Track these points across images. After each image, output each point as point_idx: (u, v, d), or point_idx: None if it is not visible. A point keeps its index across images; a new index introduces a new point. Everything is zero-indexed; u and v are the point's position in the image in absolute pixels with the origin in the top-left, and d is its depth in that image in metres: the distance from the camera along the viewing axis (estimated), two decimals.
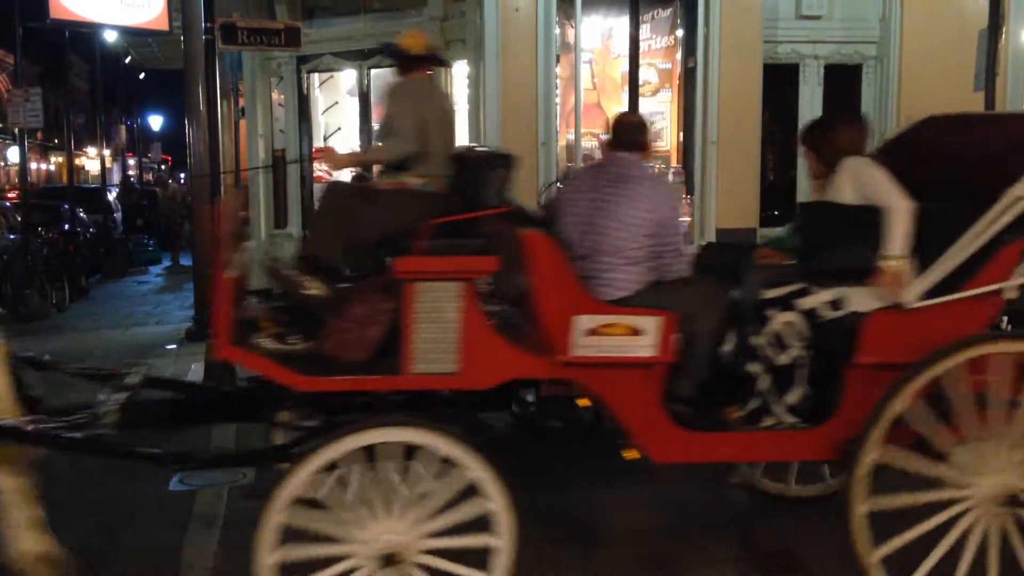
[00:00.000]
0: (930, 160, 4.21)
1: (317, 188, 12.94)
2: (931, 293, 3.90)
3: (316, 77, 13.13)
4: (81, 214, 18.92)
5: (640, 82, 9.16)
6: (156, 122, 46.84)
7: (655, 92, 11.14)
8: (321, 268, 4.29)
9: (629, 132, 4.24)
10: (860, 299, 3.94)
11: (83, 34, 20.78)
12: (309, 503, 3.50)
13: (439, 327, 3.66)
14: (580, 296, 3.78)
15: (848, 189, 4.13)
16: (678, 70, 11.21)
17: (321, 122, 13.35)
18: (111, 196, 25.33)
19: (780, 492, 5.21)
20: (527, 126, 10.29)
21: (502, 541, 3.53)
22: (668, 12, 11.10)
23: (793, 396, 4.02)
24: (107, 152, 34.47)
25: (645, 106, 10.49)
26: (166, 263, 20.35)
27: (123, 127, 41.79)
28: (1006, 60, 10.25)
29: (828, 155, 4.33)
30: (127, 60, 23.81)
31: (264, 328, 3.97)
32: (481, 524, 3.56)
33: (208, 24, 8.13)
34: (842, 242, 4.01)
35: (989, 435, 3.72)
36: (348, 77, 13.01)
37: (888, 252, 3.90)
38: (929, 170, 4.17)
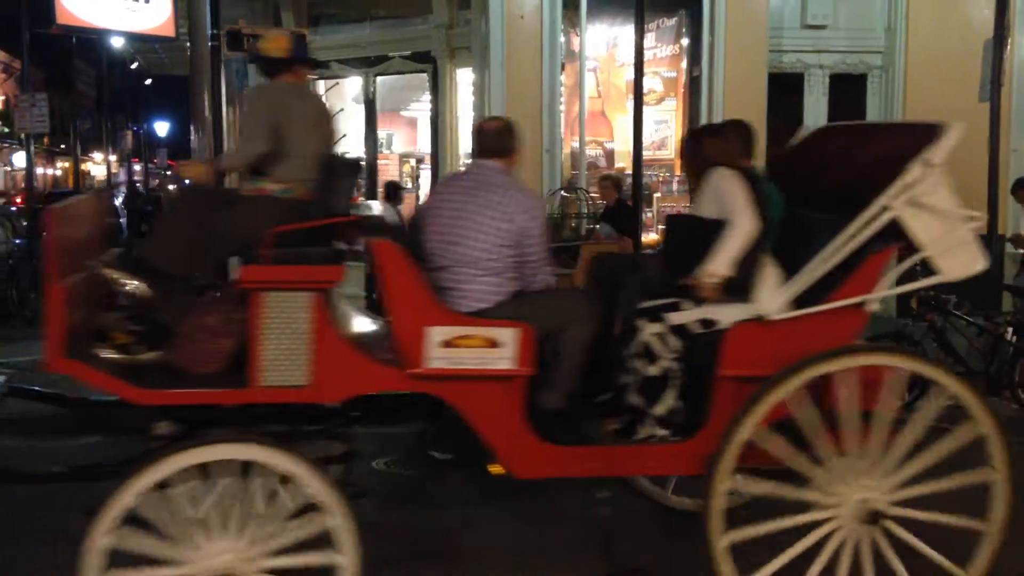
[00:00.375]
0: (824, 169, 4.17)
1: None
2: (803, 304, 3.80)
3: (322, 84, 13.15)
4: None
5: (645, 90, 9.15)
6: (162, 128, 46.96)
7: (660, 100, 11.16)
8: (158, 277, 4.02)
9: (491, 138, 4.07)
10: (725, 313, 3.85)
11: (90, 40, 20.86)
12: (140, 523, 3.32)
13: (289, 339, 3.53)
14: (433, 307, 3.67)
15: (709, 201, 4.07)
16: (683, 79, 11.23)
17: None
18: (117, 201, 25.38)
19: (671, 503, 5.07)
20: (532, 134, 10.30)
21: (346, 559, 3.39)
22: (673, 21, 11.12)
23: (661, 409, 3.90)
24: (113, 157, 34.52)
25: (650, 114, 10.51)
26: None
27: (129, 132, 41.87)
28: (1012, 70, 10.25)
29: (698, 165, 4.24)
30: (133, 66, 23.90)
31: (114, 339, 3.75)
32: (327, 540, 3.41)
33: (214, 31, 8.14)
34: (698, 256, 3.93)
35: (851, 449, 3.62)
36: (354, 84, 13.06)
37: (706, 266, 3.86)
38: (822, 179, 4.12)
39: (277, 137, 4.35)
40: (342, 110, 13.28)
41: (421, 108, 13.01)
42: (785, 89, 11.18)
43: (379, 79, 12.58)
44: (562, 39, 10.60)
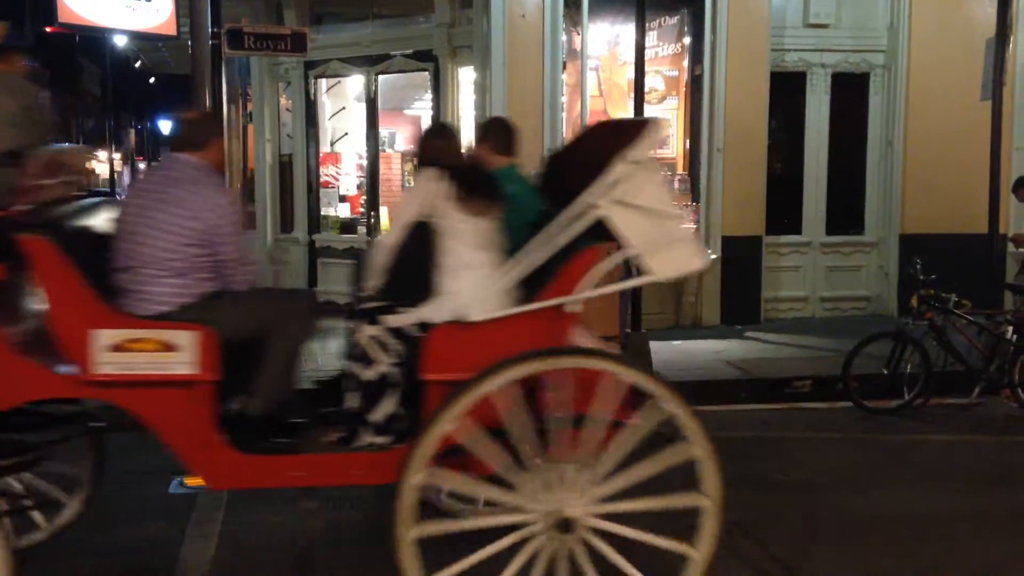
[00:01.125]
0: (576, 168, 4.07)
1: (324, 193, 12.97)
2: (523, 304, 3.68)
3: (324, 83, 13.15)
4: None
5: (646, 89, 9.13)
6: (166, 126, 47.09)
7: (662, 99, 11.14)
8: None
9: (185, 130, 3.89)
10: (441, 315, 3.72)
11: (94, 39, 20.89)
12: None
13: None
14: (97, 308, 3.46)
15: None
16: (685, 77, 11.21)
17: (328, 127, 13.38)
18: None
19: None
20: (533, 133, 10.27)
21: None
22: (675, 19, 11.10)
23: (379, 415, 3.77)
24: (117, 156, 34.61)
25: (652, 113, 10.49)
26: None
27: (133, 131, 42.00)
28: (1014, 69, 10.22)
29: (419, 163, 4.14)
30: (137, 64, 23.93)
31: None
32: None
33: (215, 29, 8.14)
34: (400, 257, 3.88)
35: (550, 457, 3.49)
36: (355, 83, 13.03)
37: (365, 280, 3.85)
38: (575, 178, 4.00)
39: None
40: (343, 109, 13.30)
41: (423, 107, 12.99)
42: (787, 88, 11.18)
43: (381, 77, 12.56)
44: (564, 38, 10.58)
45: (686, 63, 11.16)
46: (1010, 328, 7.69)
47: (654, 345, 8.39)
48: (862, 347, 7.65)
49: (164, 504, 5.40)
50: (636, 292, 8.25)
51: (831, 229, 11.53)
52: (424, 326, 3.72)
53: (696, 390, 8.05)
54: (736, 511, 5.20)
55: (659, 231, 3.62)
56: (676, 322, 10.85)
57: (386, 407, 3.77)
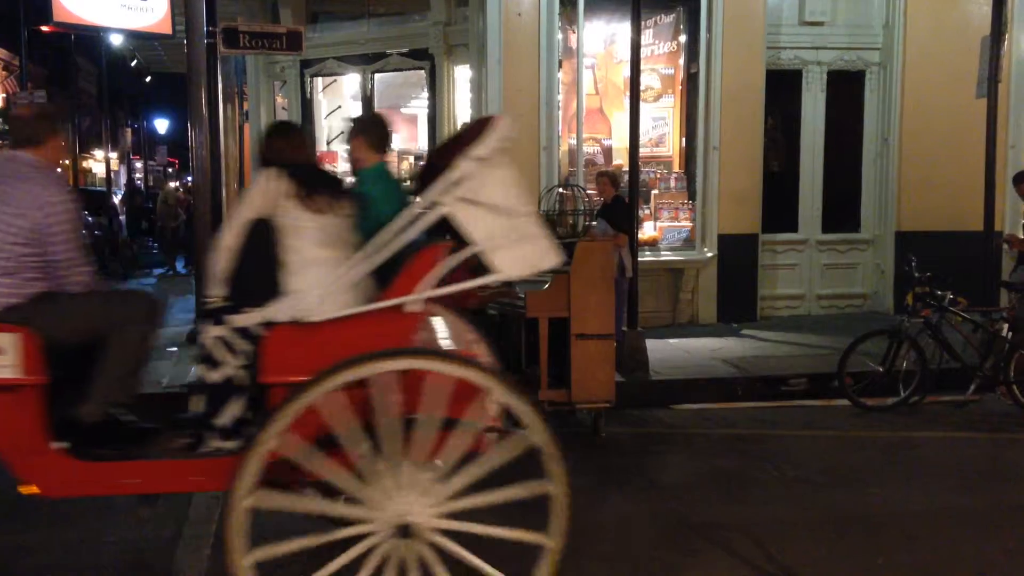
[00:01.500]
0: (441, 165, 3.93)
1: None
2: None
3: (319, 81, 13.16)
4: (87, 217, 18.93)
5: (642, 87, 9.14)
6: (162, 125, 47.01)
7: (657, 97, 11.15)
8: None
9: (22, 126, 3.81)
10: (284, 315, 3.60)
11: (89, 37, 20.84)
12: None
13: None
14: None
15: None
16: (680, 75, 11.21)
17: (324, 126, 13.38)
18: (116, 199, 25.38)
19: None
20: (529, 131, 10.30)
21: None
22: (671, 17, 11.10)
23: (225, 419, 3.65)
24: (113, 155, 34.54)
25: (647, 111, 10.50)
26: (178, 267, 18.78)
27: (129, 130, 41.96)
28: (1009, 67, 10.25)
29: (260, 163, 4.04)
30: (133, 63, 23.89)
31: None
32: None
33: (210, 28, 8.14)
34: (242, 257, 3.78)
35: (390, 459, 3.35)
36: (351, 81, 13.04)
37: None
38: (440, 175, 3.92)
39: None
40: (339, 107, 13.31)
41: (419, 105, 13.00)
42: (783, 86, 11.20)
43: (377, 76, 12.58)
44: (559, 36, 10.59)
45: (682, 61, 11.17)
46: (1005, 325, 7.69)
47: (651, 343, 8.40)
48: (858, 344, 7.66)
49: (160, 506, 5.38)
50: (632, 290, 8.25)
51: (827, 227, 11.55)
52: (270, 326, 3.63)
53: (693, 388, 8.08)
54: (733, 509, 5.25)
55: (505, 228, 3.54)
56: (673, 320, 10.87)
57: (232, 410, 3.68)
